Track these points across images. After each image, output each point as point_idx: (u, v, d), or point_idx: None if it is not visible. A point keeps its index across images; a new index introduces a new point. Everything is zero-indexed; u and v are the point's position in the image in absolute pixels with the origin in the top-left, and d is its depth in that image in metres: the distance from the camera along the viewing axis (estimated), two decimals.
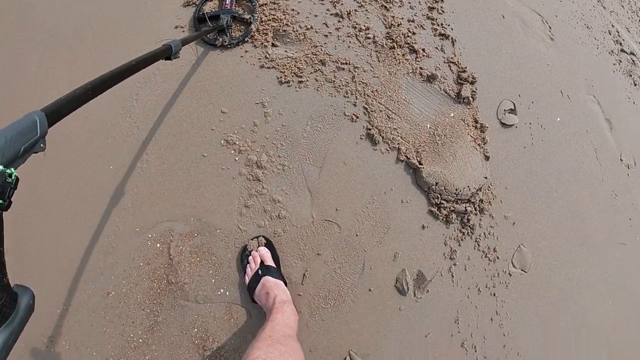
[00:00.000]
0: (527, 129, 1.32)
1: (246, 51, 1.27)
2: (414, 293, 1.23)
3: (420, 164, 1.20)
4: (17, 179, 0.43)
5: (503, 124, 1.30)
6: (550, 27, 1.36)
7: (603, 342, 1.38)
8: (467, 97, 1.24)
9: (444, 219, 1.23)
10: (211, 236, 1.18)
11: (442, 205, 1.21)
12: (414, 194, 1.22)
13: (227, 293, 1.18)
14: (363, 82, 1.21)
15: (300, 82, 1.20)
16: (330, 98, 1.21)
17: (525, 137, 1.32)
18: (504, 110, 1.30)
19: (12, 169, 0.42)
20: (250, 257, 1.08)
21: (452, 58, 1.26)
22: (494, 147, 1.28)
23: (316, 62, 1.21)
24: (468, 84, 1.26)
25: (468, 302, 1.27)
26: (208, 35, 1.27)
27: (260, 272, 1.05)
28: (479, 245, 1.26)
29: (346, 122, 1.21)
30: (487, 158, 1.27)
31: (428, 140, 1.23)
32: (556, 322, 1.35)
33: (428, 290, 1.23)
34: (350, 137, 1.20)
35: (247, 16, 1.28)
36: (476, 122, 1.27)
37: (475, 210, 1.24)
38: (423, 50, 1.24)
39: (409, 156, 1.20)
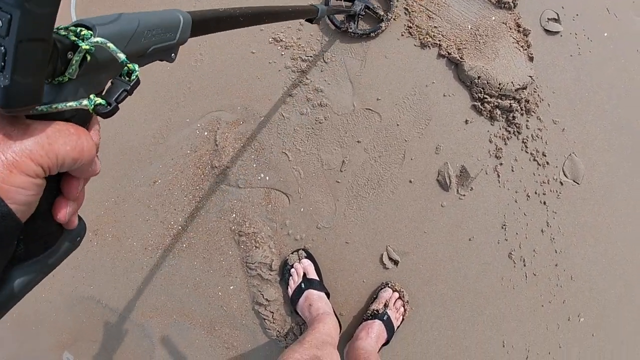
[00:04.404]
0: (573, 39, 1.20)
1: None
2: (457, 189, 1.09)
3: (462, 59, 1.12)
4: (137, 81, 0.28)
5: (547, 31, 1.19)
6: None
7: None
8: (508, 3, 1.16)
9: (488, 115, 1.11)
10: (255, 123, 1.14)
11: (486, 100, 1.10)
12: (456, 88, 1.12)
13: (267, 178, 1.11)
14: None
15: None
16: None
17: (571, 46, 1.20)
18: (547, 18, 1.21)
19: (136, 65, 0.28)
20: (293, 270, 1.03)
21: None
22: (539, 52, 1.17)
23: None
24: None
25: (516, 208, 1.10)
26: (337, 18, 1.13)
27: (303, 285, 1.00)
28: (526, 146, 1.12)
29: None
30: (531, 59, 1.15)
31: (469, 39, 1.15)
32: (613, 246, 1.13)
33: (472, 188, 1.09)
34: (391, 34, 1.15)
35: (380, 12, 1.11)
36: (518, 26, 1.17)
37: (522, 109, 1.11)
38: None
39: (450, 52, 1.12)
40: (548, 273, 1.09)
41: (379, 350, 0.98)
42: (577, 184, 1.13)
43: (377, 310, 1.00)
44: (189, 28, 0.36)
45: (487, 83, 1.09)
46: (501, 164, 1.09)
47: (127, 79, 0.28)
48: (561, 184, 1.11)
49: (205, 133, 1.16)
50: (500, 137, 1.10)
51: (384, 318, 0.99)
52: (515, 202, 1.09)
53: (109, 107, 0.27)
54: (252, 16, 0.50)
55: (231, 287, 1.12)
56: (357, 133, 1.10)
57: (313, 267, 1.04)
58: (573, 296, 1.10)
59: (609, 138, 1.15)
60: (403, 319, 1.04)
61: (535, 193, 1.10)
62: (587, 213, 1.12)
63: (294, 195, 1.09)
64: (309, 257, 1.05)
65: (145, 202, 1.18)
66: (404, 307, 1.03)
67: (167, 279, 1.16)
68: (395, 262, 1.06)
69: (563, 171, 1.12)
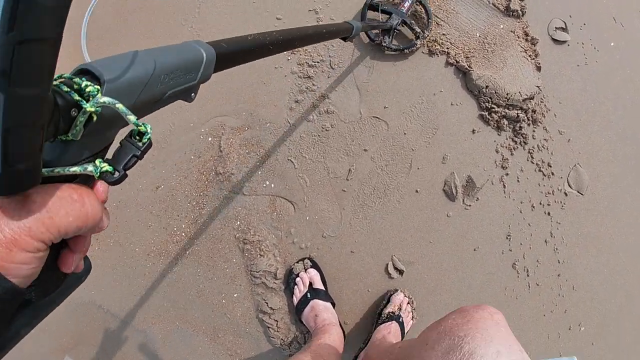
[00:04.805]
0: (580, 49, 1.19)
1: None
2: (463, 199, 1.07)
3: (470, 67, 1.10)
4: (149, 144, 0.26)
5: (554, 40, 1.17)
6: None
7: None
8: (517, 11, 1.15)
9: (495, 125, 1.09)
10: (261, 129, 1.11)
11: (493, 110, 1.08)
12: (464, 97, 1.10)
13: (272, 185, 1.09)
14: None
15: None
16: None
17: (578, 56, 1.18)
18: (555, 27, 1.18)
19: (148, 126, 0.25)
20: (299, 279, 1.01)
21: None
22: (546, 61, 1.15)
23: None
24: None
25: (521, 218, 1.09)
26: (373, 30, 1.05)
27: (309, 295, 0.98)
28: (532, 157, 1.10)
29: None
30: (538, 69, 1.13)
31: (477, 47, 1.13)
32: (615, 257, 1.13)
33: (478, 198, 1.08)
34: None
35: (417, 29, 1.05)
36: (526, 35, 1.15)
37: (528, 119, 1.10)
38: None
39: (458, 60, 1.10)
40: (550, 283, 1.08)
41: None
42: (581, 194, 1.12)
43: (393, 313, 0.99)
44: (213, 64, 0.32)
45: (495, 93, 1.07)
46: (507, 174, 1.07)
47: (137, 138, 0.25)
48: (565, 194, 1.10)
49: (210, 138, 1.13)
50: (506, 147, 1.08)
51: (400, 320, 0.98)
52: (520, 212, 1.07)
53: (117, 173, 0.24)
54: (283, 42, 0.45)
55: (235, 295, 1.09)
56: (363, 141, 1.07)
57: (319, 277, 1.02)
58: (574, 306, 1.09)
59: (614, 149, 1.14)
60: (411, 324, 1.03)
61: (540, 204, 1.08)
62: (590, 224, 1.11)
63: (300, 204, 1.07)
64: (315, 266, 1.03)
65: (147, 208, 1.15)
66: (412, 312, 1.03)
67: (169, 285, 1.13)
68: (401, 272, 1.05)
69: (568, 182, 1.11)
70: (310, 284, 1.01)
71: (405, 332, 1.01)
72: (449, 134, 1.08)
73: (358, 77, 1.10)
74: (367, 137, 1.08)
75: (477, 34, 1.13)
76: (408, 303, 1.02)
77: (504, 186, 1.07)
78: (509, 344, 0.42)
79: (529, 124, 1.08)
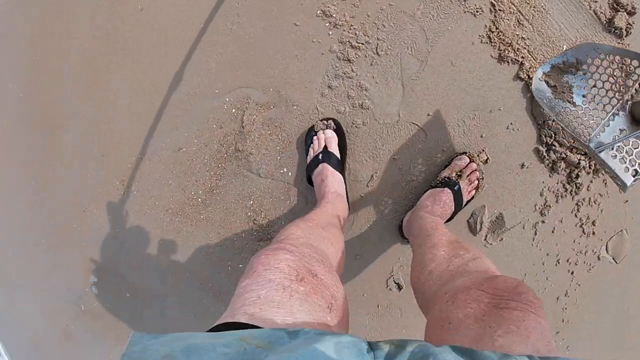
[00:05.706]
0: None
1: None
2: (486, 236, 0.97)
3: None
4: None
5: None
6: None
7: None
8: (620, 29, 0.88)
9: (550, 165, 0.92)
10: (287, 111, 1.01)
11: (553, 148, 0.91)
12: (525, 122, 0.92)
13: (290, 174, 1.02)
14: None
15: None
16: None
17: None
18: None
19: None
20: (315, 138, 0.89)
21: None
22: None
23: None
24: (625, 12, 0.89)
25: (540, 270, 0.98)
26: None
27: (320, 157, 0.86)
28: (578, 210, 0.94)
29: (466, 15, 0.91)
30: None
31: None
32: (626, 333, 1.02)
33: (502, 239, 0.97)
34: (466, 35, 0.91)
35: None
36: None
37: (590, 167, 0.92)
38: None
39: (531, 75, 0.90)
40: None
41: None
42: (615, 262, 0.97)
43: (448, 178, 0.84)
44: None
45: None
46: (543, 222, 0.94)
47: None
48: (598, 258, 0.97)
49: (233, 110, 1.04)
50: (554, 192, 0.93)
51: (455, 188, 0.83)
52: (543, 264, 0.96)
53: None
54: None
55: (240, 266, 1.12)
56: (394, 148, 0.95)
57: (336, 141, 0.90)
58: None
59: None
60: (473, 197, 0.89)
61: (567, 261, 0.96)
62: (613, 295, 0.99)
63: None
64: (339, 130, 0.91)
65: (169, 167, 1.14)
66: (478, 180, 0.88)
67: (183, 242, 1.17)
68: (399, 287, 1.01)
69: (606, 246, 0.96)
70: (326, 146, 0.90)
71: (464, 202, 0.87)
72: (494, 161, 0.93)
73: (406, 70, 0.93)
74: (400, 144, 0.95)
75: (564, 47, 0.89)
76: (474, 171, 0.87)
77: (535, 234, 0.94)
78: (547, 340, 0.36)
79: (588, 173, 0.91)
